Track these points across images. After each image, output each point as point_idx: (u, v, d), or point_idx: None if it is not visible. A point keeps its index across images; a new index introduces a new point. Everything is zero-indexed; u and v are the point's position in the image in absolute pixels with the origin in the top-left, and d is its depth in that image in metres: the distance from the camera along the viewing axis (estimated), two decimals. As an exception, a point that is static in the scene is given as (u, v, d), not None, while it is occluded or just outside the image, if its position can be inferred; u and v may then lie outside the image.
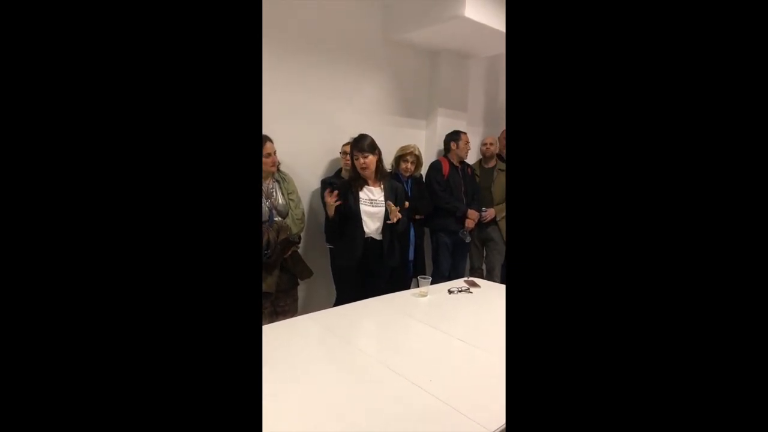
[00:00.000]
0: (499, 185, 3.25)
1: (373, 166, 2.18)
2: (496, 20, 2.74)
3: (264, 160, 2.19)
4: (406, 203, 2.41)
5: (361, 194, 2.20)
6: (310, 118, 2.79)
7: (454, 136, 3.10)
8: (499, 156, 3.42)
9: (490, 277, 3.20)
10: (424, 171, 3.05)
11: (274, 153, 2.25)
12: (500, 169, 3.29)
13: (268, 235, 2.16)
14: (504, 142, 3.52)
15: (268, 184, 2.27)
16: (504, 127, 3.64)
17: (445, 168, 3.03)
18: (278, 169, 2.36)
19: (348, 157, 2.48)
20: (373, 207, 2.20)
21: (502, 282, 2.87)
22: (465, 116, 3.54)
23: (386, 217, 2.18)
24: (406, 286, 2.70)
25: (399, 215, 2.14)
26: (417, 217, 2.83)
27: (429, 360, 1.35)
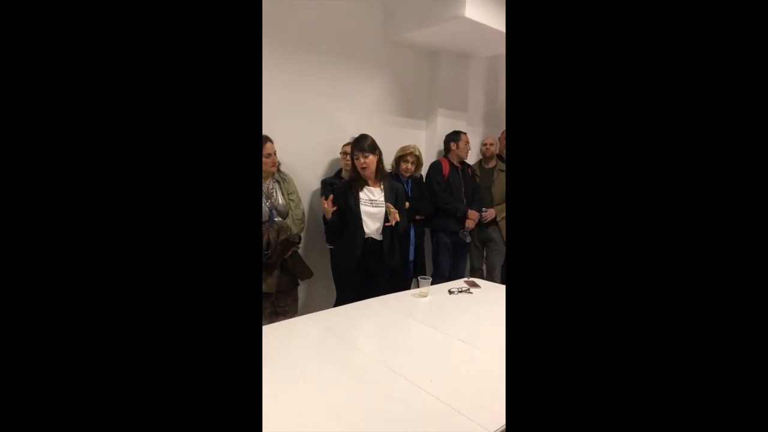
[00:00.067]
0: (499, 185, 3.25)
1: (373, 167, 2.18)
2: (496, 20, 2.74)
3: (264, 160, 2.19)
4: (407, 204, 2.41)
5: (362, 194, 2.20)
6: (310, 118, 2.79)
7: (454, 137, 3.10)
8: (499, 156, 3.42)
9: (490, 278, 3.20)
10: (424, 171, 3.05)
11: (275, 153, 2.25)
12: (500, 170, 3.29)
13: (269, 235, 2.16)
14: (504, 142, 3.52)
15: (268, 185, 2.27)
16: (504, 128, 3.64)
17: (446, 168, 3.03)
18: (278, 170, 2.36)
19: (348, 157, 2.48)
20: (373, 207, 2.20)
21: (502, 282, 2.87)
22: (465, 116, 3.54)
23: (386, 218, 2.18)
24: (406, 287, 2.70)
25: (398, 218, 2.13)
26: (417, 217, 2.83)
27: (429, 360, 1.35)
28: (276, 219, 2.23)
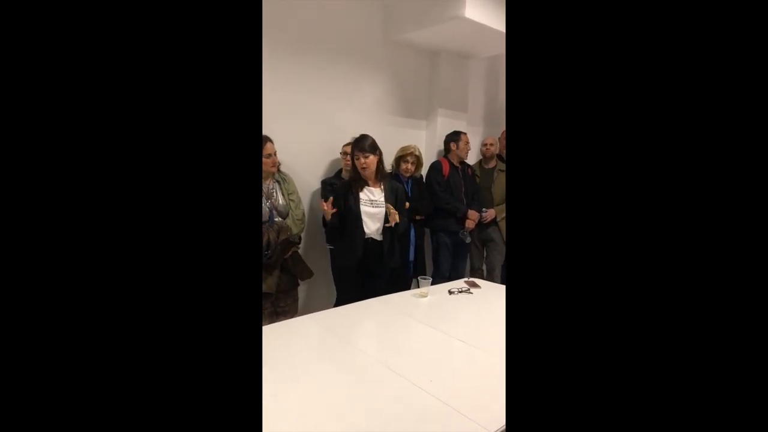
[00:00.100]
0: (499, 186, 3.25)
1: (373, 167, 2.18)
2: (496, 21, 2.74)
3: (264, 160, 2.19)
4: (407, 204, 2.40)
5: (362, 195, 2.20)
6: (310, 118, 2.79)
7: (454, 137, 3.10)
8: (499, 156, 3.42)
9: (490, 278, 3.20)
10: (424, 171, 3.05)
11: (275, 153, 2.25)
12: (500, 170, 3.29)
13: (269, 235, 2.16)
14: (504, 142, 3.52)
15: (268, 185, 2.27)
16: (504, 128, 3.64)
17: (446, 168, 3.03)
18: (278, 170, 2.36)
19: (348, 157, 2.48)
20: (373, 207, 2.20)
21: (502, 283, 2.87)
22: (465, 117, 3.54)
23: (386, 219, 2.18)
24: (406, 287, 2.70)
25: (397, 219, 2.13)
26: (417, 217, 2.83)
27: (429, 360, 1.35)
28: (276, 219, 2.23)
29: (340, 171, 2.77)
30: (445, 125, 3.33)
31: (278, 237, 2.17)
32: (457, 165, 3.10)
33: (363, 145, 2.16)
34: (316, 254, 2.79)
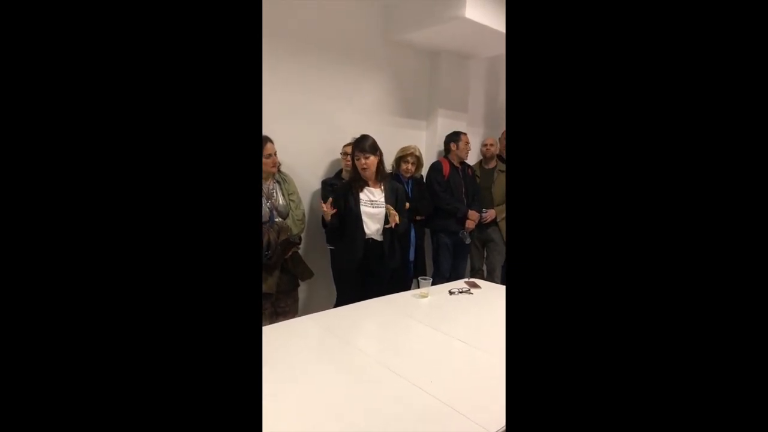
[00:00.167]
0: (499, 186, 3.25)
1: (374, 167, 2.18)
2: (496, 21, 2.74)
3: (265, 160, 2.19)
4: (407, 204, 2.40)
5: (362, 195, 2.19)
6: (311, 118, 2.79)
7: (453, 137, 3.10)
8: (499, 157, 3.42)
9: (490, 278, 3.20)
10: (424, 172, 3.05)
11: (275, 154, 2.25)
12: (500, 170, 3.29)
13: (269, 235, 2.16)
14: (504, 143, 3.51)
15: (268, 185, 2.27)
16: (504, 128, 3.64)
17: (446, 169, 3.03)
18: (279, 170, 2.36)
19: (349, 158, 2.48)
20: (373, 208, 2.19)
21: (502, 283, 2.86)
22: (465, 117, 3.54)
23: (386, 220, 2.18)
24: (406, 287, 2.70)
25: (397, 220, 2.13)
26: (417, 218, 2.83)
27: (429, 361, 1.35)
28: (276, 219, 2.23)
29: (341, 171, 2.77)
30: (445, 125, 3.33)
31: (278, 237, 2.18)
32: (458, 165, 3.10)
33: (363, 145, 2.15)
34: (317, 255, 2.79)
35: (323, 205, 2.14)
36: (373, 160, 2.16)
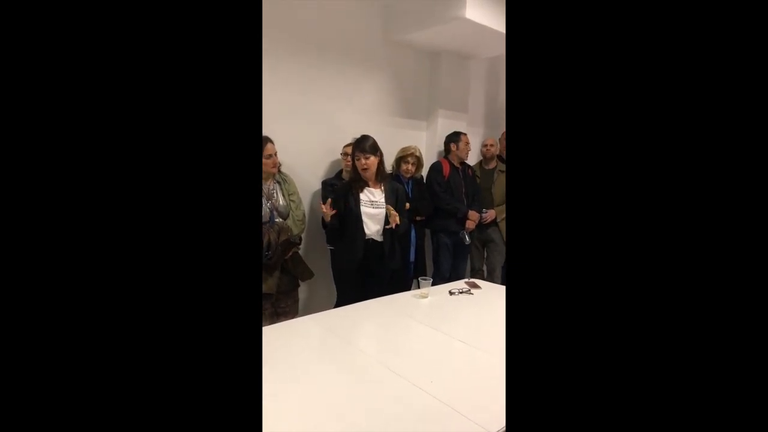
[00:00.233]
0: (499, 186, 3.25)
1: (374, 168, 2.18)
2: (496, 21, 2.75)
3: (265, 161, 2.19)
4: (407, 204, 2.40)
5: (362, 196, 2.19)
6: (311, 118, 2.79)
7: (453, 138, 3.10)
8: (499, 157, 3.42)
9: (491, 279, 3.20)
10: (424, 172, 3.05)
11: (275, 154, 2.25)
12: (501, 171, 3.29)
13: (269, 236, 2.16)
14: (504, 143, 3.52)
15: (269, 185, 2.27)
16: (504, 129, 3.64)
17: (446, 169, 3.03)
18: (279, 170, 2.36)
19: (349, 158, 2.48)
20: (373, 209, 2.19)
21: (503, 283, 2.86)
22: (465, 117, 3.54)
23: (386, 221, 2.18)
24: (406, 288, 2.70)
25: (398, 221, 2.13)
26: (418, 218, 2.83)
27: (429, 361, 1.35)
28: (277, 220, 2.24)
29: (341, 172, 2.77)
30: (445, 126, 3.34)
31: (279, 238, 2.18)
32: (458, 166, 3.10)
33: (364, 145, 2.15)
34: (317, 255, 2.79)
35: (323, 205, 2.14)
36: (373, 160, 2.16)
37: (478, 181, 3.26)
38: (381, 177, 2.24)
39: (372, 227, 2.20)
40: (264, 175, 2.23)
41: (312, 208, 2.82)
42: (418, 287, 2.27)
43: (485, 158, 3.40)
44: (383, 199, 2.21)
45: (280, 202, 2.28)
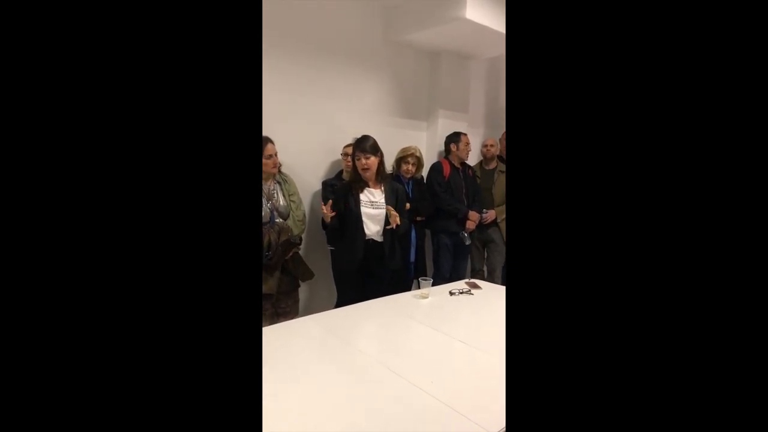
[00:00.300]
0: (499, 187, 3.25)
1: (374, 168, 2.18)
2: (496, 22, 2.75)
3: (265, 161, 2.19)
4: (407, 205, 2.40)
5: (362, 196, 2.19)
6: (311, 119, 2.80)
7: (454, 138, 3.10)
8: (500, 157, 3.43)
9: (491, 279, 3.20)
10: (425, 172, 3.05)
11: (276, 154, 2.26)
12: (501, 171, 3.29)
13: (270, 236, 2.16)
14: (505, 143, 3.51)
15: (269, 186, 2.27)
16: (505, 129, 3.64)
17: (446, 169, 3.03)
18: (279, 171, 2.36)
19: (349, 158, 2.48)
20: (373, 209, 2.19)
21: (503, 284, 2.86)
22: (466, 118, 3.54)
23: (386, 222, 2.18)
24: (407, 288, 2.70)
25: (398, 221, 2.13)
26: (418, 218, 2.83)
27: (430, 361, 1.35)
28: (277, 220, 2.24)
29: (341, 172, 2.77)
30: (445, 126, 3.34)
31: (279, 238, 2.18)
32: (458, 166, 3.10)
33: (364, 146, 2.15)
34: (317, 255, 2.79)
35: (324, 206, 2.14)
36: (374, 160, 2.16)
37: (478, 181, 3.26)
38: (381, 177, 2.24)
39: (372, 228, 2.20)
40: (264, 176, 2.23)
41: (312, 209, 2.82)
42: (419, 288, 2.27)
43: (485, 158, 3.40)
44: (383, 200, 2.21)
45: (281, 203, 2.28)
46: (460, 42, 3.10)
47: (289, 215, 2.30)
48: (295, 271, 2.31)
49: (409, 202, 2.47)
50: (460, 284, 2.20)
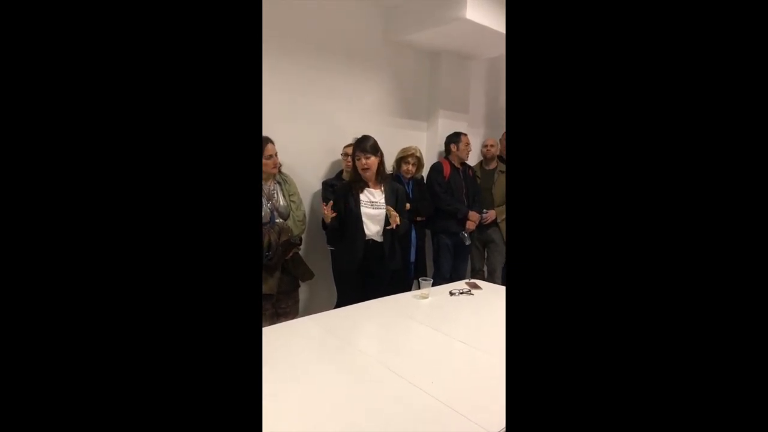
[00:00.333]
0: (499, 187, 3.25)
1: (374, 168, 2.18)
2: (497, 22, 2.75)
3: (265, 161, 2.19)
4: (408, 205, 2.40)
5: (362, 196, 2.19)
6: (311, 119, 2.80)
7: (454, 138, 3.10)
8: (500, 158, 3.42)
9: (491, 279, 3.20)
10: (425, 173, 3.05)
11: (276, 155, 2.25)
12: (501, 171, 3.29)
13: (270, 236, 2.16)
14: (505, 143, 3.51)
15: (269, 186, 2.27)
16: (505, 129, 3.64)
17: (446, 169, 3.03)
18: (279, 171, 2.36)
19: (349, 158, 2.48)
20: (374, 209, 2.19)
21: (503, 284, 2.86)
22: (466, 118, 3.54)
23: (386, 222, 2.18)
24: (407, 288, 2.70)
25: (398, 221, 2.13)
26: (418, 218, 2.83)
27: (430, 362, 1.35)
28: (277, 220, 2.24)
29: (341, 172, 2.77)
30: (445, 126, 3.34)
31: (279, 238, 2.18)
32: (458, 166, 3.10)
33: (365, 146, 2.15)
34: (317, 255, 2.79)
35: (324, 206, 2.14)
36: (374, 160, 2.16)
37: (478, 181, 3.26)
38: (381, 177, 2.24)
39: (372, 228, 2.20)
40: (264, 176, 2.23)
41: (312, 209, 2.82)
42: (419, 288, 2.27)
43: (486, 159, 3.40)
44: (383, 200, 2.21)
45: (281, 203, 2.28)
46: (460, 42, 3.10)
47: (289, 215, 2.30)
48: (295, 272, 2.31)
49: (409, 203, 2.47)
50: (461, 284, 2.20)
